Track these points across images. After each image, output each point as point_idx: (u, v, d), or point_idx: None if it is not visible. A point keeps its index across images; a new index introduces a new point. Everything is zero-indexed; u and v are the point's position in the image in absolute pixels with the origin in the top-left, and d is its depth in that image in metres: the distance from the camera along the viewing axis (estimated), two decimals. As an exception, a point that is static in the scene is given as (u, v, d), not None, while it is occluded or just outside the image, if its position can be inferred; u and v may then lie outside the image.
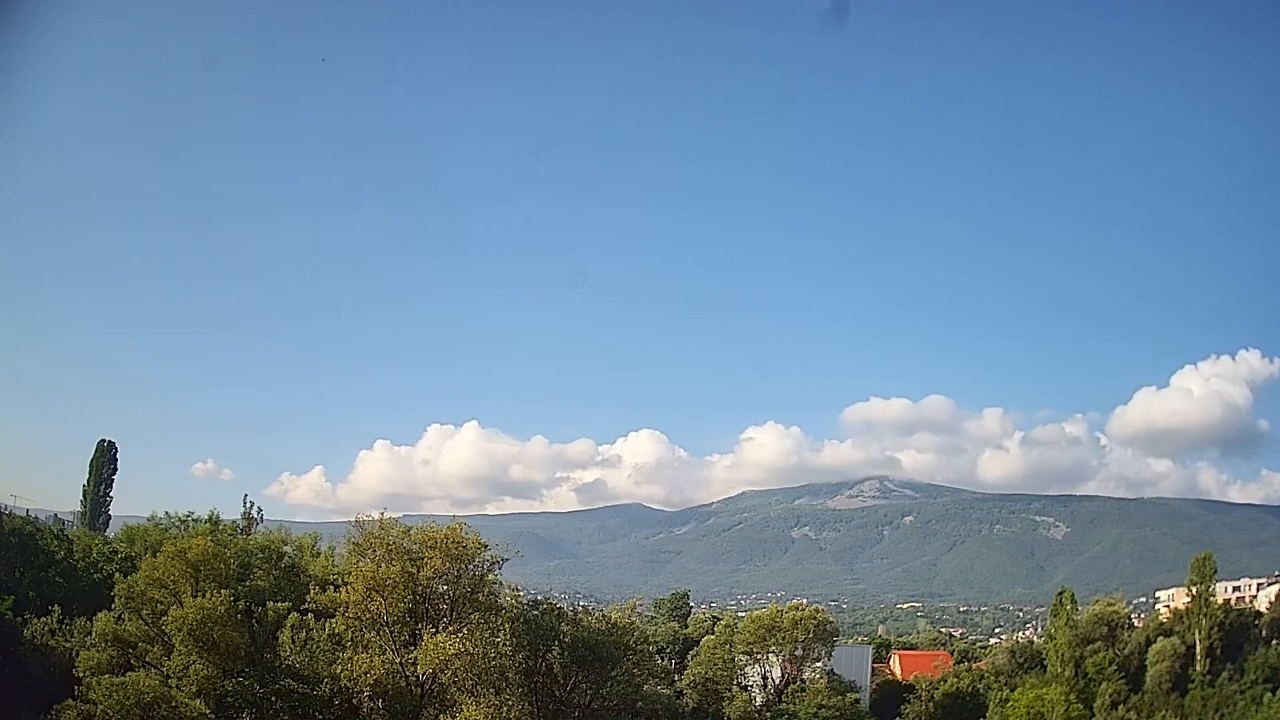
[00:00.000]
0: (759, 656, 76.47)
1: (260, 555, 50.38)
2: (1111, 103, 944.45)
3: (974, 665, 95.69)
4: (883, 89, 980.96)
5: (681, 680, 78.80)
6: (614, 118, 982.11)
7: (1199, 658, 75.08)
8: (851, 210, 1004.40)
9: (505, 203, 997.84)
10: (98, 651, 41.84)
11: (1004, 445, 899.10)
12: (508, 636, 44.83)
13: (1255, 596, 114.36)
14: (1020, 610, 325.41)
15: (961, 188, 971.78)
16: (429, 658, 39.67)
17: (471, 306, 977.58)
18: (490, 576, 46.40)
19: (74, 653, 43.63)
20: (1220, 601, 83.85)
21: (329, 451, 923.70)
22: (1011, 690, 73.86)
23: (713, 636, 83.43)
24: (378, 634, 42.61)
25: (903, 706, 79.93)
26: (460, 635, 40.84)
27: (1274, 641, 77.79)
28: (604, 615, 57.24)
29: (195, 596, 39.76)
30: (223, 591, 40.06)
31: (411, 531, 44.72)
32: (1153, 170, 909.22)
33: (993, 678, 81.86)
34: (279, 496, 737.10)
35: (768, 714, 72.49)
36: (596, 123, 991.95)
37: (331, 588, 43.54)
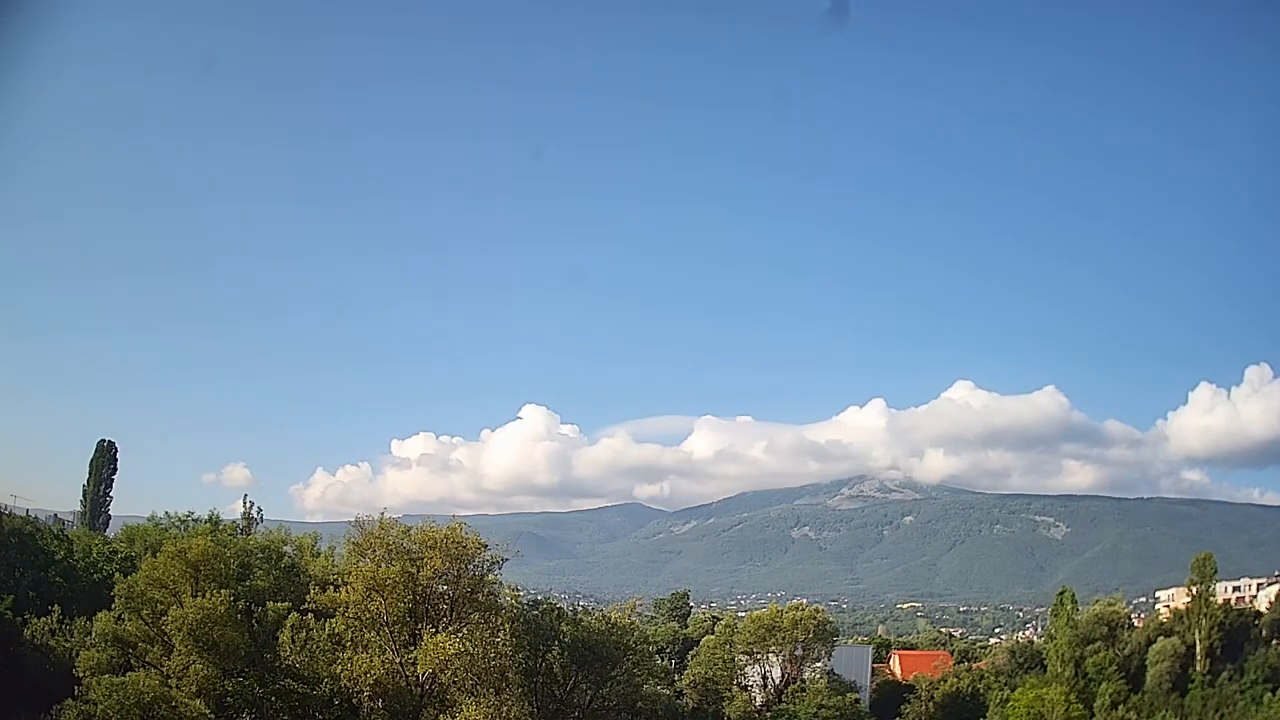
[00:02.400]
0: (759, 656, 76.49)
1: (260, 555, 50.42)
2: (1119, 104, 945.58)
3: (974, 665, 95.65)
4: (884, 88, 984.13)
5: (681, 680, 78.80)
6: (618, 115, 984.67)
7: (1199, 658, 75.07)
8: (857, 208, 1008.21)
9: (506, 200, 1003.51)
10: (98, 651, 41.86)
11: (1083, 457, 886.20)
12: (508, 636, 44.77)
13: (1255, 596, 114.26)
14: (1020, 610, 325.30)
15: (950, 181, 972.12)
16: (429, 658, 39.64)
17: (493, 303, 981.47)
18: (490, 576, 46.38)
19: (74, 653, 43.66)
20: (1220, 601, 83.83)
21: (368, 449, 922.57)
22: (1011, 690, 73.85)
23: (713, 636, 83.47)
24: (378, 634, 42.57)
25: (903, 706, 79.88)
26: (460, 635, 40.76)
27: (1274, 641, 77.78)
28: (604, 615, 57.24)
29: (195, 596, 39.75)
30: (223, 591, 40.04)
31: (411, 531, 44.72)
32: (1157, 174, 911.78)
33: (993, 678, 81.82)
34: (313, 494, 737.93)
35: (768, 714, 72.50)
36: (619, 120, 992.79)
37: (331, 588, 43.50)
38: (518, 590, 52.95)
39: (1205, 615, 76.11)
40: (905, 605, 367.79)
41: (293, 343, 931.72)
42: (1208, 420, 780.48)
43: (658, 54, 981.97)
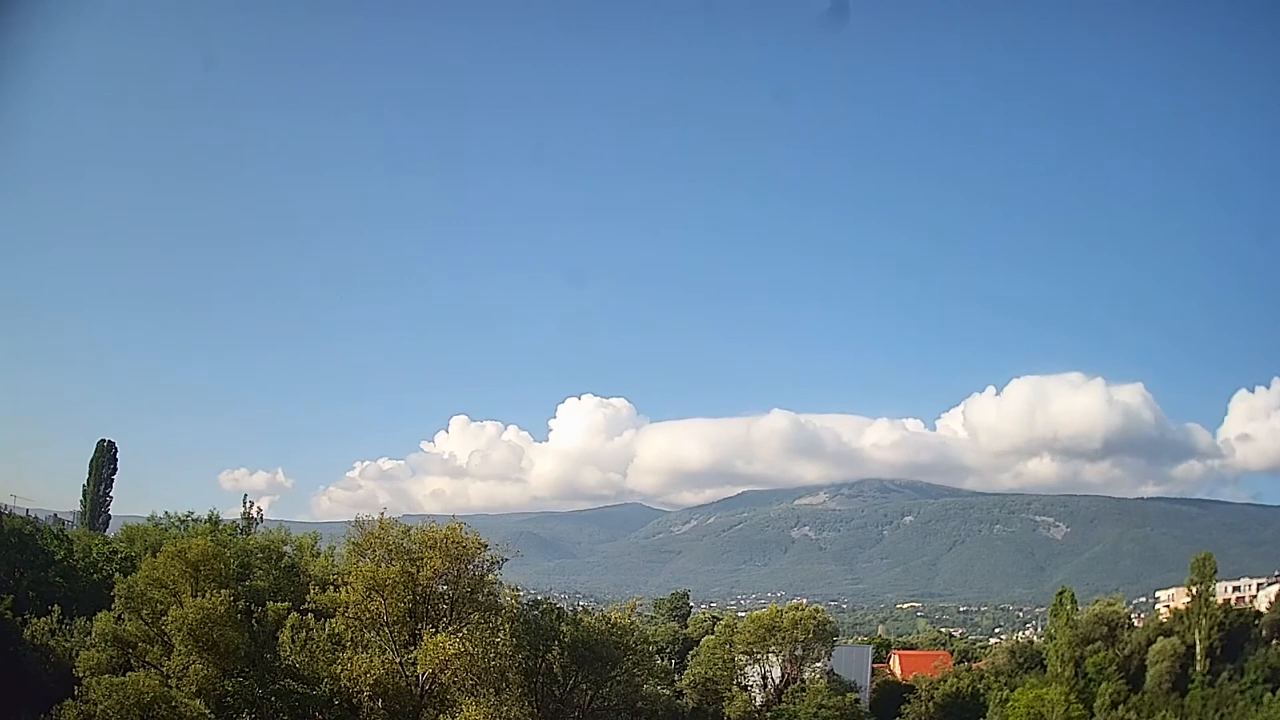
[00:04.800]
0: (759, 656, 76.50)
1: (260, 555, 50.40)
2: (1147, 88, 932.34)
3: (974, 665, 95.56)
4: (885, 88, 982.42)
5: (681, 680, 78.80)
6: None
7: (1199, 658, 75.05)
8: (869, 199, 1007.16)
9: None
10: (98, 651, 41.82)
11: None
12: (508, 636, 44.85)
13: (1255, 596, 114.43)
14: (1020, 610, 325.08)
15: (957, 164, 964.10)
16: (429, 658, 39.69)
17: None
18: (490, 576, 46.47)
19: (74, 653, 43.59)
20: (1220, 601, 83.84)
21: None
22: (1011, 690, 73.78)
23: (713, 636, 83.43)
24: (377, 634, 42.62)
25: (903, 706, 79.82)
26: (460, 635, 40.83)
27: (1274, 641, 77.75)
28: (604, 615, 57.35)
29: (195, 596, 39.75)
30: (222, 591, 40.04)
31: (411, 531, 44.79)
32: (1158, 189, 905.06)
33: (993, 678, 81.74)
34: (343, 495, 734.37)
35: (768, 714, 72.52)
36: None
37: (331, 588, 43.53)
38: (518, 590, 52.95)
39: (1205, 615, 76.08)
40: (905, 605, 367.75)
41: (317, 339, 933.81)
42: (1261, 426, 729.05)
43: (657, 60, 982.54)
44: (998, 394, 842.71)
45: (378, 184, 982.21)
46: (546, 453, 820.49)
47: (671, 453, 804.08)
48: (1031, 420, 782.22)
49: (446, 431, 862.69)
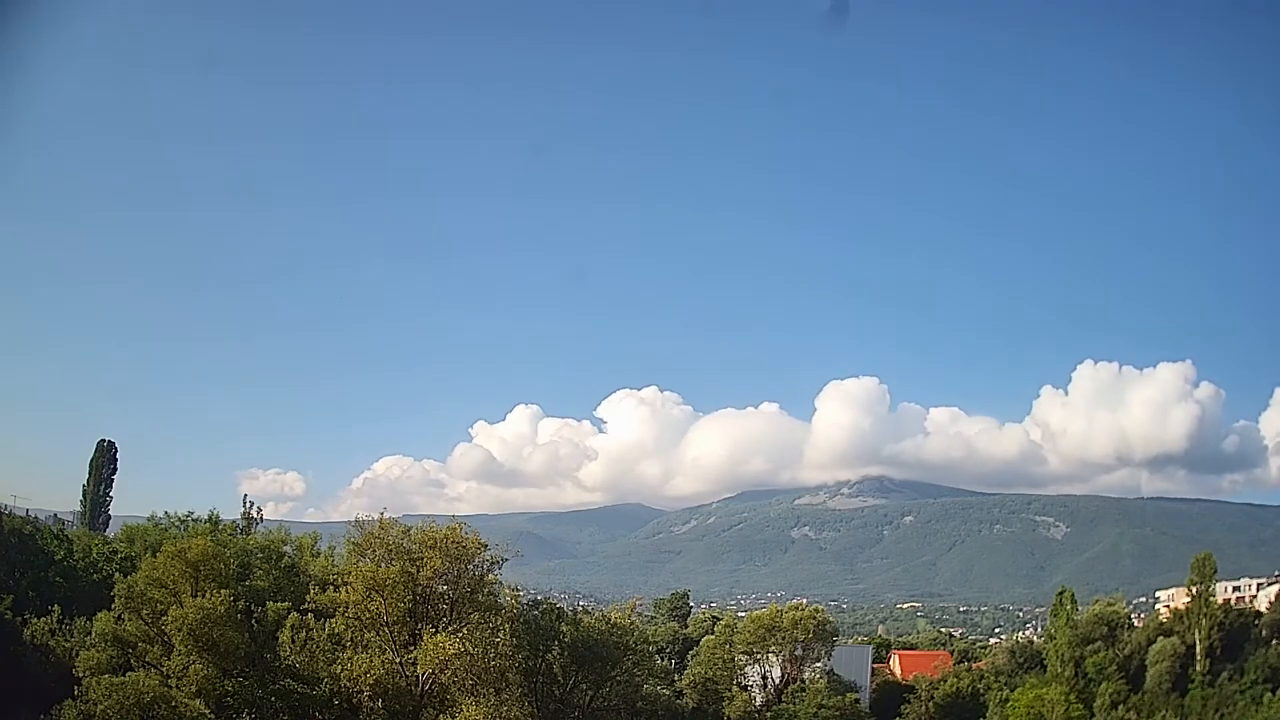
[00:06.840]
0: (759, 656, 76.46)
1: (260, 555, 50.36)
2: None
3: (974, 665, 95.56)
4: (884, 86, 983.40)
5: (681, 680, 78.77)
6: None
7: (1199, 658, 75.09)
8: (859, 215, 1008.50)
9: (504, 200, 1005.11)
10: (97, 651, 41.80)
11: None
12: (508, 636, 44.83)
13: (1255, 596, 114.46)
14: (1020, 610, 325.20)
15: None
16: (429, 658, 39.66)
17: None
18: (490, 576, 46.40)
19: (74, 653, 43.60)
20: (1220, 601, 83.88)
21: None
22: (1011, 690, 73.81)
23: (713, 636, 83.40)
24: (377, 634, 42.60)
25: (903, 706, 79.82)
26: (460, 635, 40.80)
27: (1274, 641, 77.75)
28: (604, 615, 57.24)
29: (195, 596, 39.74)
30: (222, 591, 40.02)
31: (411, 531, 44.75)
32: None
33: (993, 678, 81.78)
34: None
35: (768, 714, 72.48)
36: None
37: (331, 588, 43.51)
38: (518, 590, 52.89)
39: (1205, 615, 76.12)
40: (905, 605, 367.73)
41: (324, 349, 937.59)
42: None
43: (656, 52, 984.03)
44: (1068, 393, 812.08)
45: (415, 198, 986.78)
46: (587, 450, 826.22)
47: (724, 447, 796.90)
48: (1105, 429, 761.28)
49: (470, 438, 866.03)
